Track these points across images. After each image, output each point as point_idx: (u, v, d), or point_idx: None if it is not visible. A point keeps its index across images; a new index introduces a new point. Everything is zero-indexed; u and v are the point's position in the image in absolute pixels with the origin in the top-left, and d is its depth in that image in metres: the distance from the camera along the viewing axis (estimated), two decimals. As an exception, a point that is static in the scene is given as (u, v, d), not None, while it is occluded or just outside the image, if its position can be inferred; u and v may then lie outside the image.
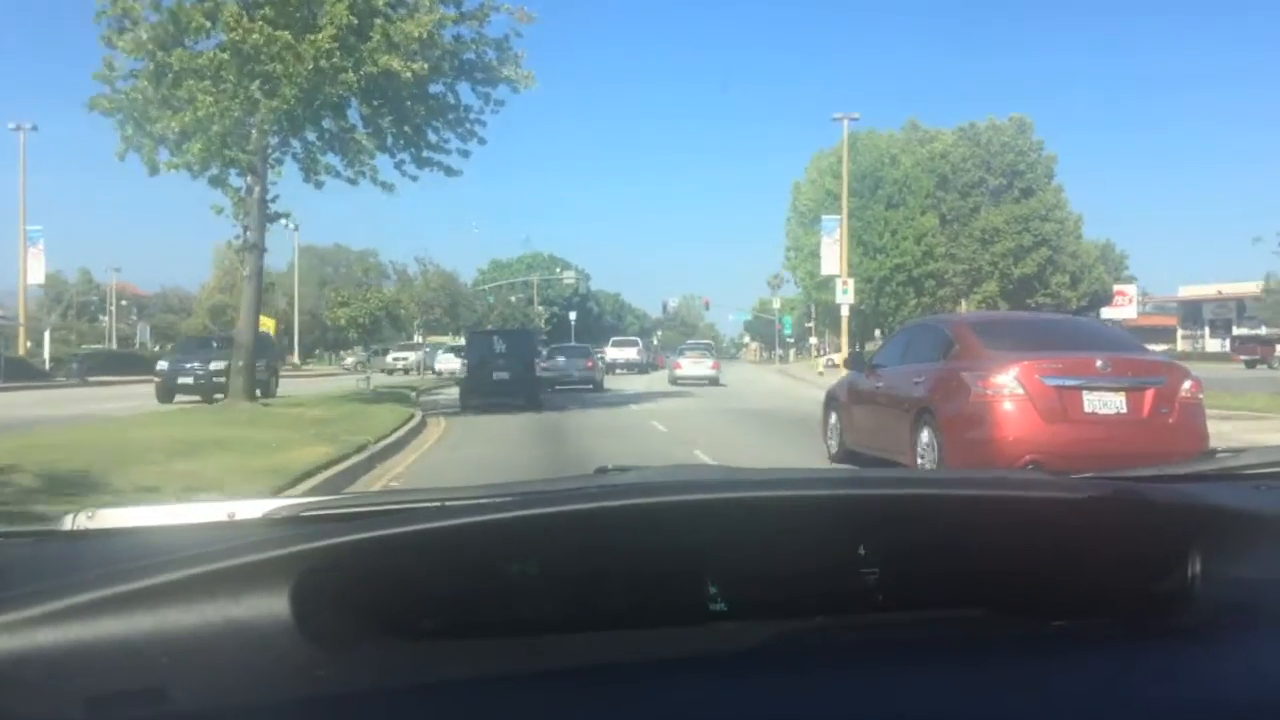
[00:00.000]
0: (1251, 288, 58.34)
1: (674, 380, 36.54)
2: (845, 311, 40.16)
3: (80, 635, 0.87)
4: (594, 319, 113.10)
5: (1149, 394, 8.14)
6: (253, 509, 1.37)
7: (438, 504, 1.26)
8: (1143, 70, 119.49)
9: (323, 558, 0.95)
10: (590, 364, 32.44)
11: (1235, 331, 60.46)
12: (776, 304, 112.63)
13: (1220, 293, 63.61)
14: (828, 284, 55.68)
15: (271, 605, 0.92)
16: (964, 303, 56.91)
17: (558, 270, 75.52)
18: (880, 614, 1.09)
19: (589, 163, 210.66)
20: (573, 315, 69.64)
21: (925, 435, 8.60)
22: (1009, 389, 8.06)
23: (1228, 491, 1.43)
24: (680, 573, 1.06)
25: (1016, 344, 8.66)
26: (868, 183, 54.07)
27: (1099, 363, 8.19)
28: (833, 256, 40.98)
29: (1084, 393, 8.02)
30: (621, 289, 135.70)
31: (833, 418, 11.24)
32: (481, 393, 21.37)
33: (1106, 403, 8.06)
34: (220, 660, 0.88)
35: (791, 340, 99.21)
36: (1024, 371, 8.06)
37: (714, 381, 36.50)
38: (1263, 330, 53.52)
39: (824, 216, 41.87)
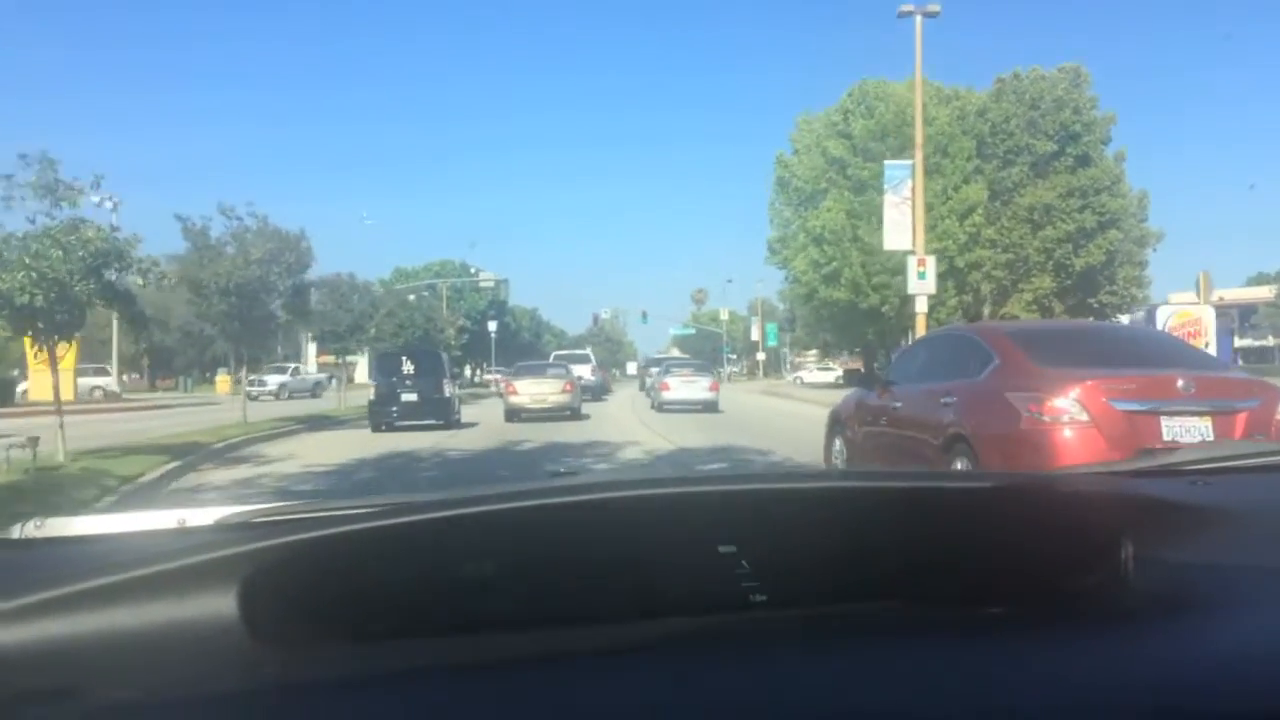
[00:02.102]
0: (1263, 292, 45.42)
1: (660, 405, 30.86)
2: (922, 306, 26.53)
3: (24, 636, 0.88)
4: (511, 334, 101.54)
5: (1241, 418, 7.13)
6: (204, 516, 1.41)
7: (390, 506, 1.29)
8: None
9: (271, 558, 0.97)
10: (568, 387, 26.94)
11: (1238, 343, 49.39)
12: (724, 314, 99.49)
13: (1222, 299, 50.56)
14: (835, 277, 40.76)
15: (219, 605, 0.93)
16: (1008, 304, 42.34)
17: (473, 271, 60.02)
18: (816, 606, 1.10)
19: (501, 173, 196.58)
20: (493, 326, 54.55)
21: (959, 467, 7.35)
22: (1070, 414, 6.98)
23: (1163, 485, 1.46)
24: (628, 568, 1.08)
25: (1072, 358, 7.61)
26: (891, 143, 39.51)
27: (1180, 382, 7.09)
28: (901, 224, 25.74)
29: (1162, 418, 7.00)
30: (537, 304, 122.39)
31: (837, 443, 10.22)
32: (390, 415, 22.10)
33: (1190, 430, 6.96)
34: (167, 659, 0.90)
35: (760, 355, 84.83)
36: (1088, 393, 7.00)
37: (710, 407, 30.35)
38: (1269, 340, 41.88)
39: (888, 164, 26.46)
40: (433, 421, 22.32)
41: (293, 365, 50.08)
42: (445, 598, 1.04)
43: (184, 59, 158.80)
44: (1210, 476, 1.61)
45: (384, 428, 21.72)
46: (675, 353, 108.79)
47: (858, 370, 60.60)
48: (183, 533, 1.36)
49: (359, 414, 28.53)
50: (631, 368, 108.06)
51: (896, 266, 42.77)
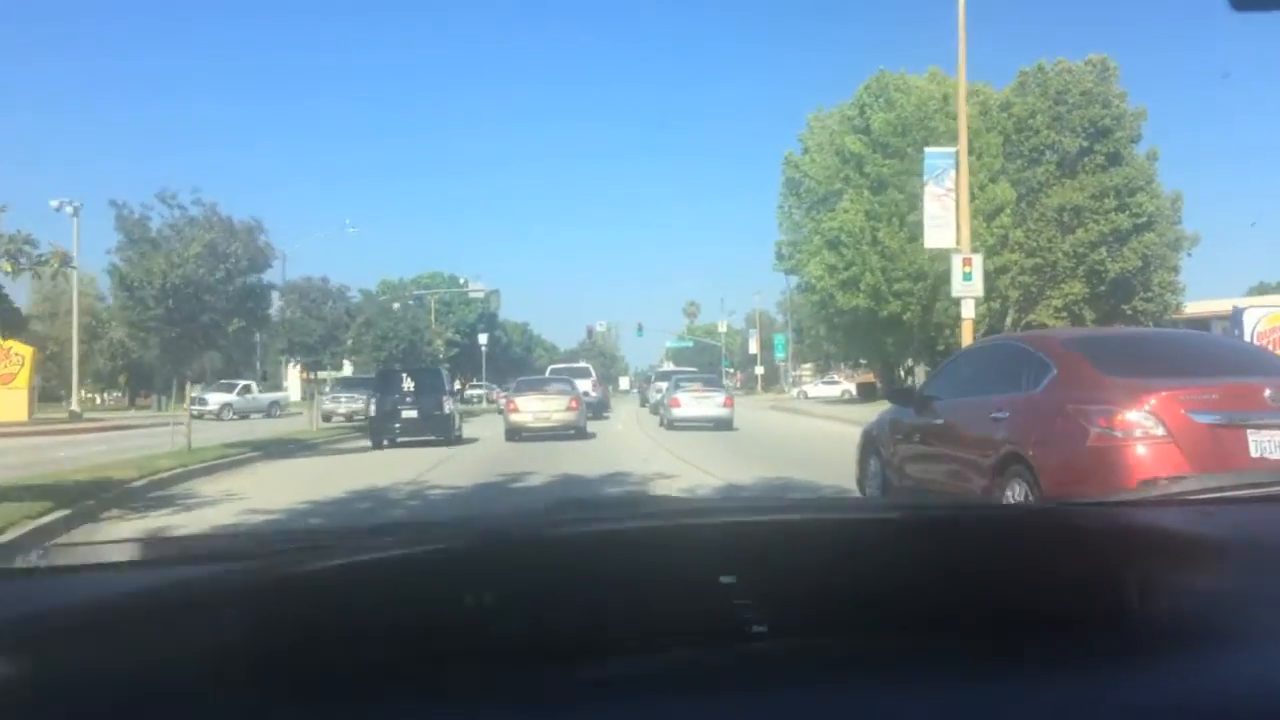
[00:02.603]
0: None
1: (670, 423, 28.39)
2: (969, 310, 22.91)
3: (29, 665, 0.90)
4: (502, 349, 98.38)
5: None
6: (204, 545, 1.58)
7: (400, 538, 1.27)
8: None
9: (275, 586, 1.03)
10: (573, 404, 24.76)
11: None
12: (723, 326, 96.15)
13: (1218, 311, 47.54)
14: (853, 283, 37.49)
15: (221, 631, 0.95)
16: (1035, 310, 39.17)
17: (462, 281, 56.74)
18: (818, 638, 1.08)
19: (490, 187, 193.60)
20: (483, 338, 51.31)
21: (1017, 490, 6.90)
22: (1145, 428, 6.40)
23: (1166, 516, 1.46)
24: (627, 600, 1.08)
25: (1142, 367, 7.04)
26: (913, 138, 36.35)
27: (1268, 391, 6.47)
28: (944, 218, 22.44)
29: (1249, 431, 6.41)
30: (527, 319, 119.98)
31: (872, 464, 9.51)
32: (392, 431, 22.33)
33: None
34: (167, 685, 0.89)
35: (758, 369, 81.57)
36: (1164, 404, 6.42)
37: (724, 424, 28.00)
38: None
39: (929, 152, 23.03)
40: (433, 437, 22.49)
41: (242, 383, 45.62)
42: (439, 630, 1.03)
43: (177, 68, 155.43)
44: (1213, 507, 1.58)
45: (385, 444, 22.05)
46: (670, 366, 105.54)
47: (871, 383, 57.62)
48: (185, 560, 1.34)
49: (332, 436, 25.16)
50: (624, 382, 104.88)
51: (919, 271, 39.57)
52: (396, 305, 33.64)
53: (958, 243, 25.63)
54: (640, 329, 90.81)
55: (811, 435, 25.94)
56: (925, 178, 26.15)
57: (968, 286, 24.96)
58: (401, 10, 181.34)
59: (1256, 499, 1.67)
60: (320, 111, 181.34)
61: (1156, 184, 43.93)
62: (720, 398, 29.17)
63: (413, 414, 22.58)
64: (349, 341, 25.55)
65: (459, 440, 23.35)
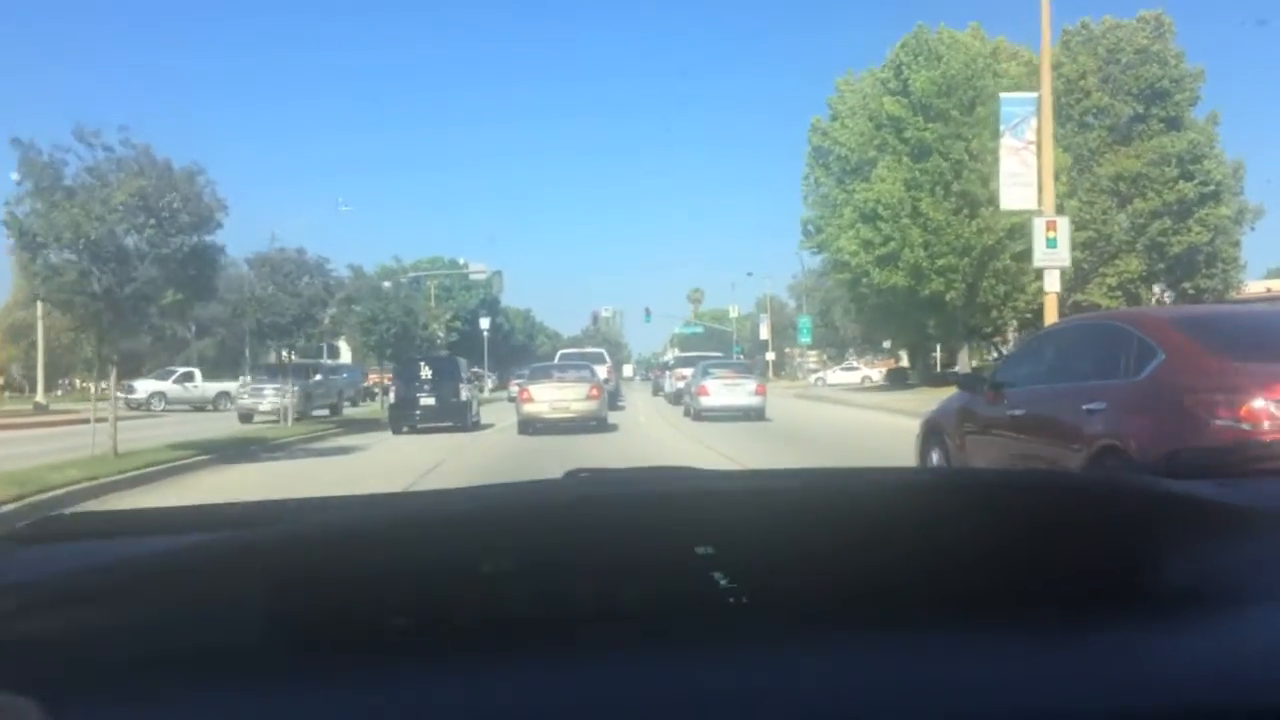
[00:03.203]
0: None
1: (698, 413, 25.90)
2: (1054, 283, 21.82)
3: (43, 628, 0.90)
4: (503, 336, 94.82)
5: None
6: (221, 512, 1.42)
7: (413, 504, 1.33)
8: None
9: (289, 551, 1.02)
10: (594, 392, 21.86)
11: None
12: (734, 311, 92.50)
13: (1269, 290, 43.67)
14: (892, 259, 33.88)
15: (237, 595, 0.97)
16: (1087, 289, 35.50)
17: (462, 263, 53.08)
18: (804, 608, 1.07)
19: (494, 173, 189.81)
20: (485, 323, 47.71)
21: None
22: (1278, 418, 5.58)
23: (1190, 485, 1.40)
24: (604, 569, 1.08)
25: (1265, 351, 6.28)
26: (959, 99, 32.52)
27: None
28: (1023, 175, 18.44)
29: None
30: (530, 306, 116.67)
31: (934, 456, 8.91)
32: (412, 418, 23.04)
33: None
34: (180, 649, 0.91)
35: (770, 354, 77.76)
36: None
37: (757, 414, 25.69)
38: None
39: (1005, 98, 18.72)
40: (451, 423, 23.04)
41: (182, 369, 40.55)
42: (414, 600, 1.03)
43: (180, 62, 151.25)
44: (1240, 478, 1.58)
45: (405, 429, 22.76)
46: (677, 353, 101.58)
47: (902, 369, 54.02)
48: (203, 526, 1.34)
49: (310, 434, 21.47)
50: (628, 370, 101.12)
51: (965, 245, 35.85)
52: (388, 284, 29.95)
53: (1040, 204, 21.92)
54: (648, 314, 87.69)
55: (859, 427, 22.94)
56: (1002, 127, 22.34)
57: (1052, 255, 21.20)
58: (404, 9, 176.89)
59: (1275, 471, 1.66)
60: (323, 108, 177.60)
61: (1219, 150, 40.25)
62: (752, 385, 26.42)
63: (431, 401, 23.18)
64: (326, 321, 21.81)
65: (476, 426, 23.98)
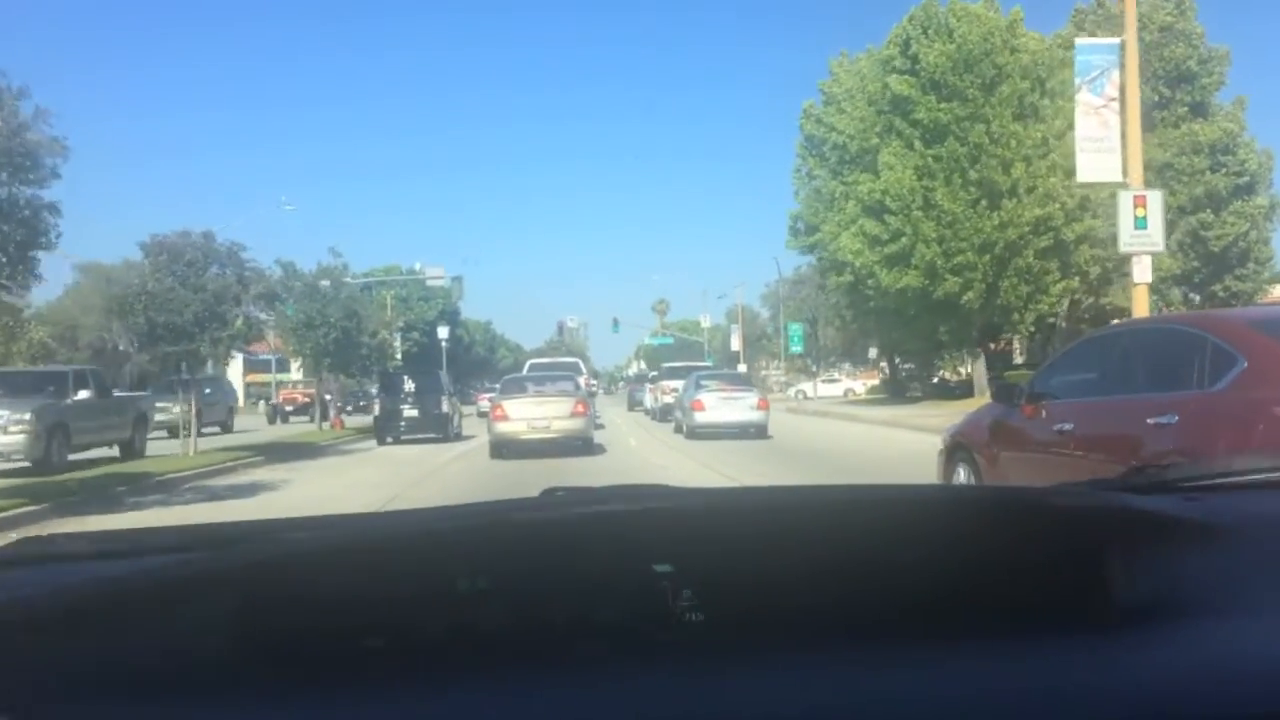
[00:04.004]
0: None
1: (692, 431, 23.00)
2: (1142, 274, 17.85)
3: (22, 650, 0.91)
4: (464, 348, 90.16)
5: None
6: (198, 533, 1.41)
7: (387, 523, 1.32)
8: None
9: (264, 571, 1.02)
10: (579, 408, 18.57)
11: None
12: (705, 321, 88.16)
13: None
14: (903, 258, 29.88)
15: (213, 616, 0.97)
16: (1109, 291, 31.86)
17: (418, 268, 48.49)
18: (764, 624, 1.09)
19: (453, 184, 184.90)
20: (444, 332, 43.49)
21: None
22: None
23: (1152, 500, 1.43)
24: (626, 582, 1.10)
25: None
26: (978, 76, 28.48)
27: None
28: (1104, 139, 13.50)
29: None
30: (490, 319, 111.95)
31: (960, 474, 8.10)
32: (397, 429, 23.81)
33: None
34: (159, 668, 0.93)
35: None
36: None
37: (759, 431, 22.88)
38: None
39: (1081, 45, 13.76)
40: (433, 435, 23.74)
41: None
42: (388, 619, 1.03)
43: (149, 78, 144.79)
44: (1201, 493, 1.57)
45: (390, 440, 23.42)
46: (642, 366, 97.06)
47: (901, 381, 49.99)
48: (178, 548, 1.33)
49: (207, 466, 16.67)
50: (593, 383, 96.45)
51: (986, 241, 31.76)
52: (327, 283, 25.32)
53: (1125, 175, 17.87)
54: (616, 324, 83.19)
55: (880, 446, 19.93)
56: (1076, 80, 18.22)
57: (1141, 238, 17.06)
58: (367, 16, 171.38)
59: (1244, 485, 1.65)
60: (279, 114, 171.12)
61: (1249, 138, 36.59)
62: (752, 399, 23.70)
63: (414, 413, 23.86)
64: (238, 322, 17.09)
65: (458, 438, 24.44)
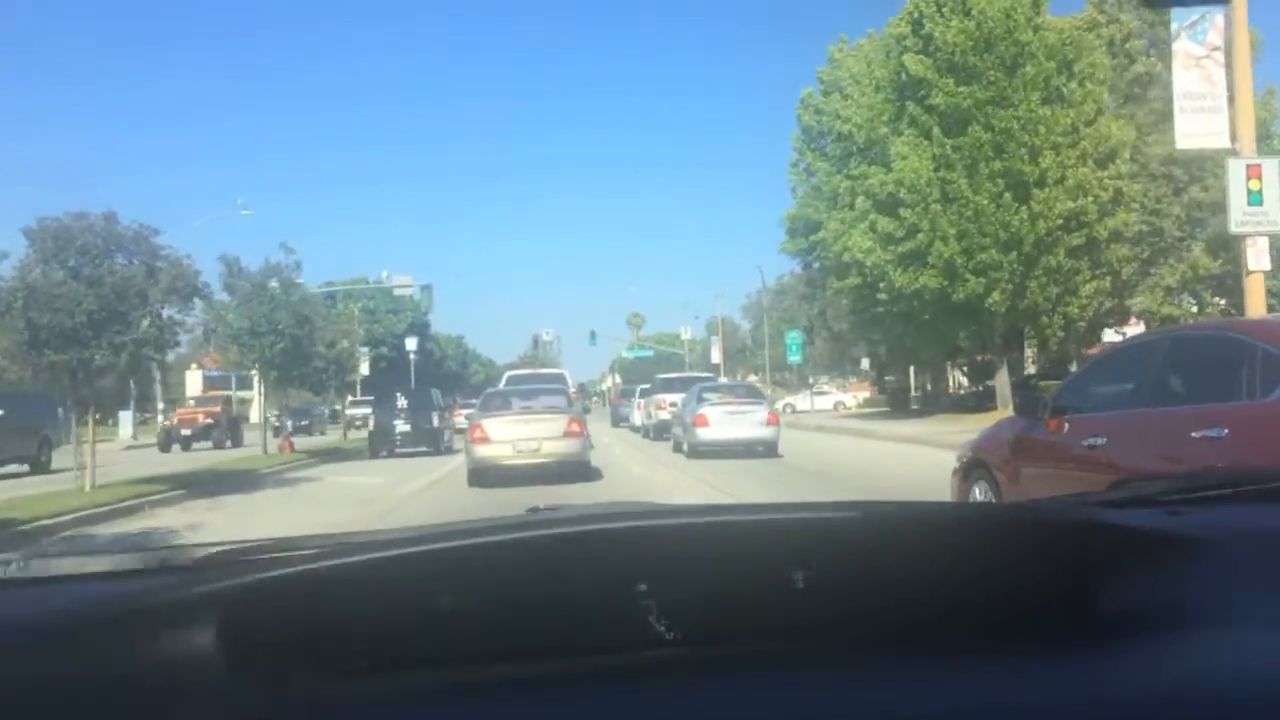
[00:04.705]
0: None
1: (695, 449, 20.61)
2: (1259, 260, 14.03)
3: (11, 673, 0.92)
4: (434, 363, 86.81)
5: None
6: (184, 555, 1.41)
7: (368, 542, 1.28)
8: None
9: (249, 593, 1.01)
10: (575, 427, 15.61)
11: None
12: (685, 333, 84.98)
13: None
14: (918, 256, 26.91)
15: (200, 639, 0.96)
16: (1136, 294, 28.91)
17: (384, 275, 44.86)
18: (804, 636, 1.11)
19: (422, 197, 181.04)
20: (412, 343, 40.19)
21: None
22: None
23: (1133, 515, 1.44)
24: (610, 601, 1.09)
25: None
26: (1000, 56, 25.45)
27: None
28: (1208, 97, 9.75)
29: None
30: (462, 333, 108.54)
31: (978, 492, 7.67)
32: (391, 443, 24.96)
33: None
34: (149, 691, 0.93)
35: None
36: None
37: (768, 449, 20.65)
38: None
39: None
40: (425, 449, 24.70)
41: None
42: (427, 632, 1.04)
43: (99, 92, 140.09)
44: (1183, 506, 1.55)
45: (384, 454, 24.68)
46: (616, 380, 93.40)
47: (905, 391, 46.87)
48: (162, 572, 1.33)
49: (101, 508, 13.03)
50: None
51: (1014, 237, 28.70)
52: (275, 283, 21.75)
53: (1234, 139, 14.74)
54: (594, 336, 79.77)
55: (904, 465, 17.62)
56: (1174, 25, 15.06)
57: (1256, 215, 13.90)
58: (336, 21, 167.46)
59: (1226, 498, 1.63)
60: (245, 124, 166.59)
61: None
62: (762, 413, 21.24)
63: (407, 428, 24.97)
64: (145, 323, 13.49)
65: (448, 451, 24.51)
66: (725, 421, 20.66)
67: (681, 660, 1.05)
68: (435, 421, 25.33)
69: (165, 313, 14.68)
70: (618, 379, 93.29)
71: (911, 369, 46.16)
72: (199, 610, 0.97)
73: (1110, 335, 35.94)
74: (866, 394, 61.56)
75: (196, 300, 15.90)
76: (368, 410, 28.97)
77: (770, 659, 1.04)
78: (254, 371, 24.33)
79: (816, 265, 37.46)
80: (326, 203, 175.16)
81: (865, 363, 59.36)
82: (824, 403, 60.63)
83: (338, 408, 40.72)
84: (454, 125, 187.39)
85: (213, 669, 0.93)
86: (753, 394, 23.75)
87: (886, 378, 60.23)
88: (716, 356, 79.16)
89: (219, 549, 1.38)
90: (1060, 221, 27.71)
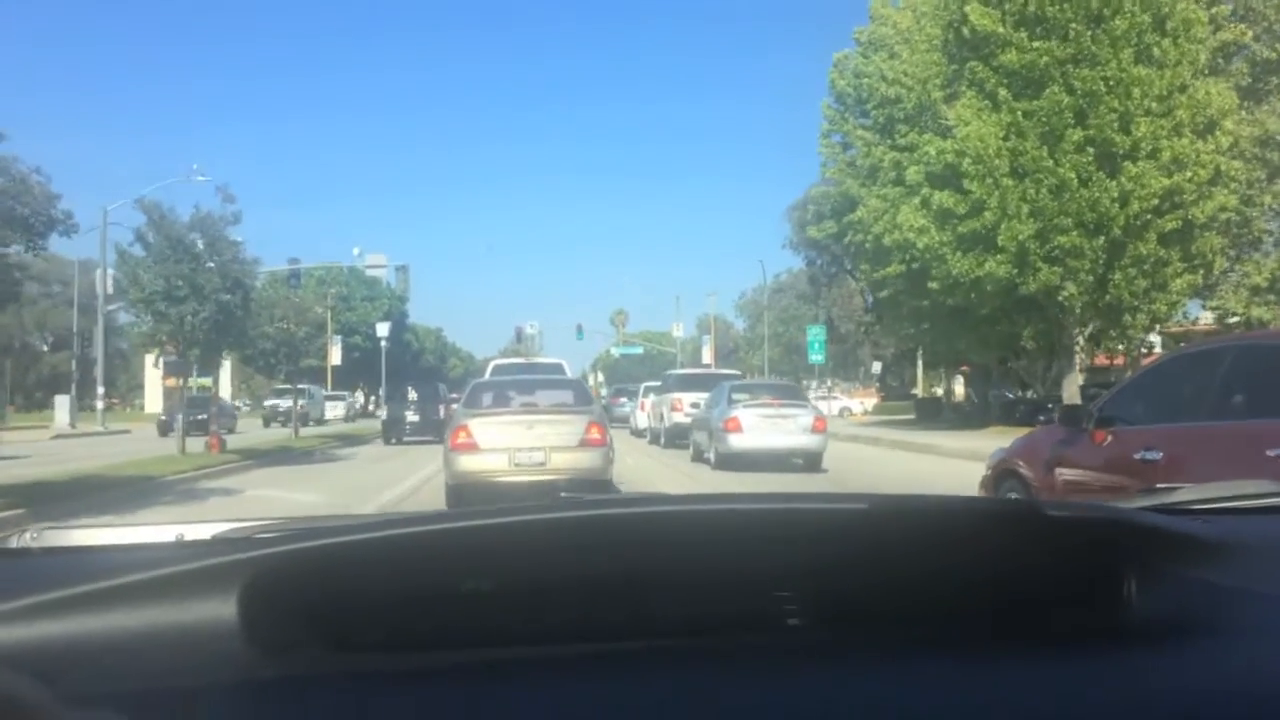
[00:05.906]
0: None
1: (721, 460, 17.43)
2: None
3: (25, 636, 0.90)
4: (412, 356, 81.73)
5: None
6: (202, 530, 1.40)
7: (387, 519, 1.27)
8: None
9: (269, 566, 1.00)
10: (594, 434, 11.26)
11: None
12: (677, 329, 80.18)
13: None
14: (985, 239, 22.06)
15: (218, 610, 0.95)
16: (1216, 294, 24.29)
17: (355, 253, 39.88)
18: (820, 626, 1.12)
19: (402, 182, 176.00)
20: (383, 329, 35.21)
21: None
22: None
23: (1166, 519, 1.39)
24: (632, 586, 1.09)
25: None
26: (1081, 5, 20.47)
27: None
28: None
29: None
30: (441, 326, 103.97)
31: None
32: (401, 431, 28.02)
33: None
34: (165, 660, 0.93)
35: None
36: None
37: (813, 462, 17.45)
38: None
39: None
40: (432, 438, 23.98)
41: None
42: (437, 610, 1.04)
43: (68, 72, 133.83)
44: (1210, 516, 1.52)
45: (395, 441, 27.45)
46: (599, 378, 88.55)
47: (936, 399, 42.35)
48: (181, 545, 1.34)
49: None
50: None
51: (1101, 218, 24.19)
52: (198, 239, 16.85)
53: None
54: (580, 331, 74.76)
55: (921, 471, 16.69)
56: None
57: None
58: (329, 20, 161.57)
59: (1261, 509, 1.61)
60: (221, 130, 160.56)
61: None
62: (807, 418, 17.88)
63: (416, 418, 28.11)
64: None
65: None
66: (763, 427, 17.31)
67: (699, 648, 1.03)
68: (441, 413, 26.20)
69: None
70: (600, 377, 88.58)
71: (942, 373, 41.52)
72: (218, 580, 0.95)
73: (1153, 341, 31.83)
74: (875, 400, 57.21)
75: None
76: (289, 403, 28.60)
77: (790, 649, 1.04)
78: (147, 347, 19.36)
79: (850, 251, 32.74)
80: (308, 187, 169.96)
81: (877, 366, 55.13)
82: (828, 409, 56.30)
83: (303, 402, 35.71)
84: (436, 115, 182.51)
85: (232, 641, 0.92)
86: (794, 395, 19.83)
87: (892, 383, 56.32)
88: (708, 356, 74.82)
89: (237, 525, 1.37)
90: (1154, 202, 23.20)
